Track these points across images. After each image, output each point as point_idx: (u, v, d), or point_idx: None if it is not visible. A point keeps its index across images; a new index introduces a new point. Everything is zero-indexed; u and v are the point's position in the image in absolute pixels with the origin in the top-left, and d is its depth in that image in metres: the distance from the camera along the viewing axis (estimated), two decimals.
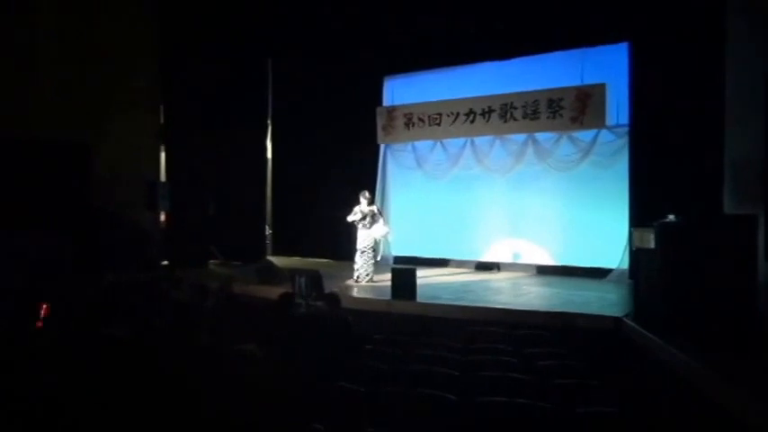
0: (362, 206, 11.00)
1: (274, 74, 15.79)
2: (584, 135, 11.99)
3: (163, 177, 13.57)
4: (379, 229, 11.05)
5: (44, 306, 5.44)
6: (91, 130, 11.47)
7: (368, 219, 10.98)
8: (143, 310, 5.72)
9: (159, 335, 4.10)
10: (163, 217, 13.29)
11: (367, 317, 8.45)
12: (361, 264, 11.03)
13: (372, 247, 11.09)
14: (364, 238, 11.01)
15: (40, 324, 5.44)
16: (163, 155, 13.79)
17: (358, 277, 10.99)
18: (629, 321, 7.59)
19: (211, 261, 13.44)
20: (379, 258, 11.23)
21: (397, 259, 14.01)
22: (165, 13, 13.18)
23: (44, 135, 10.69)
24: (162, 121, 13.60)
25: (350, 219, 11.05)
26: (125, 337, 4.36)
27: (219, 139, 13.98)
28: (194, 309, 6.10)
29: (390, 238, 11.81)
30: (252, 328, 5.30)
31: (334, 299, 6.84)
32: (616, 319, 7.86)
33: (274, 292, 9.86)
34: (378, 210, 11.32)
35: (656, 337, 6.63)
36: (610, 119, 11.56)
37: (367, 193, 11.14)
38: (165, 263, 12.78)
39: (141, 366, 3.75)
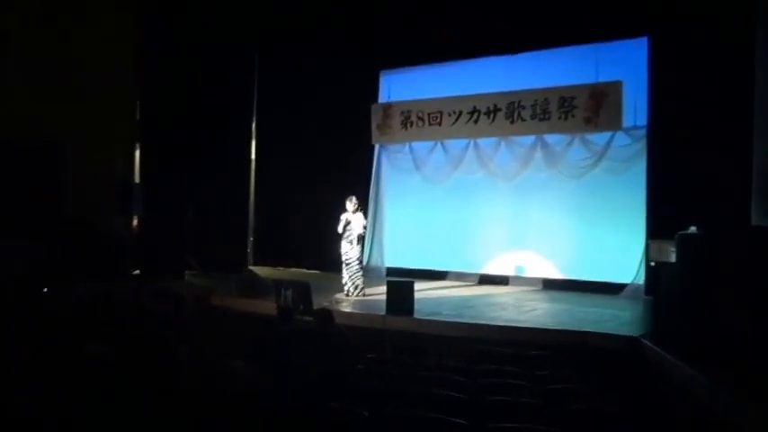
0: (348, 214, 10.88)
1: (261, 68, 15.77)
2: (598, 138, 12.01)
3: (137, 179, 13.50)
4: (359, 222, 10.91)
5: None
6: (60, 128, 11.39)
7: (350, 225, 10.84)
8: (121, 325, 5.69)
9: (138, 350, 4.09)
10: (135, 222, 13.23)
11: (359, 334, 8.42)
12: (348, 277, 10.96)
13: (358, 258, 11.03)
14: (348, 249, 10.91)
15: None
16: (137, 155, 13.72)
17: (348, 291, 10.93)
18: (647, 342, 7.58)
19: (188, 271, 13.37)
20: (358, 249, 11.00)
21: (391, 271, 13.97)
22: (144, 1, 13.13)
23: (10, 133, 10.63)
24: (138, 117, 13.53)
25: (340, 229, 10.91)
26: (102, 354, 4.34)
27: (200, 139, 13.93)
28: (173, 323, 6.07)
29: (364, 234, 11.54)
30: (236, 344, 5.29)
31: (325, 315, 6.80)
32: (633, 340, 7.84)
33: (257, 305, 9.90)
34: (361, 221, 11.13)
35: (678, 360, 6.60)
36: (626, 120, 11.58)
37: (354, 199, 10.95)
38: (137, 272, 12.72)
39: (121, 384, 3.73)
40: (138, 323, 6.14)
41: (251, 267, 15.05)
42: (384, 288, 9.70)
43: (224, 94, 14.69)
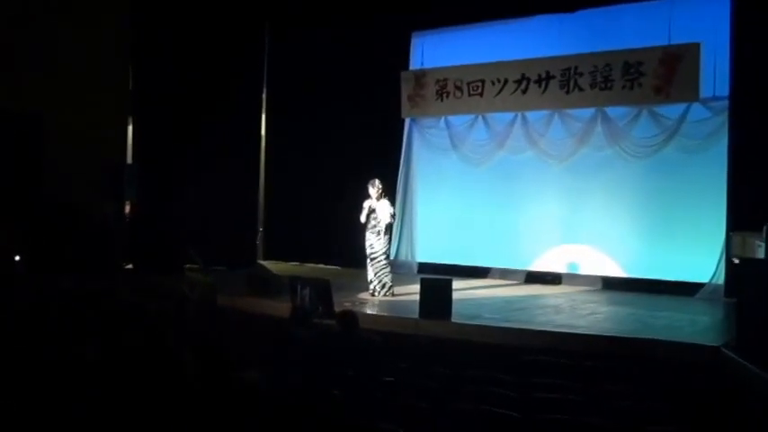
0: (371, 200, 10.90)
1: (271, 37, 15.78)
2: (670, 111, 11.93)
3: (130, 158, 13.58)
4: (385, 210, 10.87)
5: None
6: (42, 99, 11.47)
7: (374, 213, 10.85)
8: (113, 326, 5.74)
9: (134, 356, 4.12)
10: (128, 208, 13.32)
11: (388, 340, 8.42)
12: (374, 274, 11.00)
13: (386, 251, 11.05)
14: (373, 241, 10.95)
15: None
16: (130, 130, 13.79)
17: (374, 290, 10.95)
18: (729, 352, 7.50)
19: (188, 266, 13.46)
20: (385, 242, 10.97)
21: (424, 267, 14.03)
22: None
23: None
24: (131, 88, 13.60)
25: (363, 219, 10.93)
26: (94, 359, 4.38)
27: (202, 115, 13.97)
28: (174, 325, 6.11)
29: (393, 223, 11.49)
30: (246, 350, 5.30)
31: (348, 318, 6.80)
32: (712, 349, 7.77)
33: (269, 306, 9.94)
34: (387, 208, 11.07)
35: (766, 373, 6.54)
36: (704, 90, 11.45)
37: (378, 183, 10.94)
38: (130, 266, 12.81)
39: (116, 395, 3.75)
40: (135, 325, 6.17)
41: (261, 262, 15.14)
42: (416, 287, 9.73)
43: (230, 61, 14.72)
